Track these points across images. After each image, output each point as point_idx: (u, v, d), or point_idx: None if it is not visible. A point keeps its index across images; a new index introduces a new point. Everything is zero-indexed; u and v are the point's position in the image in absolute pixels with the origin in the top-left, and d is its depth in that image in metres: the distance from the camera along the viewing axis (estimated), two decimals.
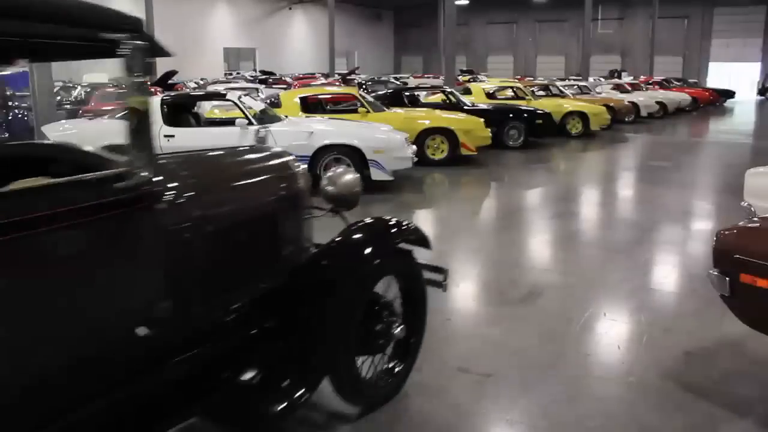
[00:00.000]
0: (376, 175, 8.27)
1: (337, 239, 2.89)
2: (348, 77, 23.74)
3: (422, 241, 3.11)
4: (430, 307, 3.25)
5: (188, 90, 18.29)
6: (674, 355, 3.66)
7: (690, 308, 4.43)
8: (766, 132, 19.48)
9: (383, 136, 8.64)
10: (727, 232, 3.06)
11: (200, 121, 9.32)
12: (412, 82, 25.52)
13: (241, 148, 3.20)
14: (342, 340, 2.69)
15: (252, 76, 26.45)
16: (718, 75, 41.85)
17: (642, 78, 29.88)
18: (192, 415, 2.31)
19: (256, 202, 2.70)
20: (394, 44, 53.52)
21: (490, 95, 15.54)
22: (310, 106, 10.79)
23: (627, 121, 18.57)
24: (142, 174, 2.05)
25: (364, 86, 18.45)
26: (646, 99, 20.83)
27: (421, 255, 3.15)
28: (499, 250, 5.97)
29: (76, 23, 1.88)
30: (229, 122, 8.45)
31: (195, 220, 2.32)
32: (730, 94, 31.42)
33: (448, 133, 10.60)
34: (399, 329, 2.93)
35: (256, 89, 15.24)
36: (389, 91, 14.20)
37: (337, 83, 20.12)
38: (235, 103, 8.29)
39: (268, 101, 10.82)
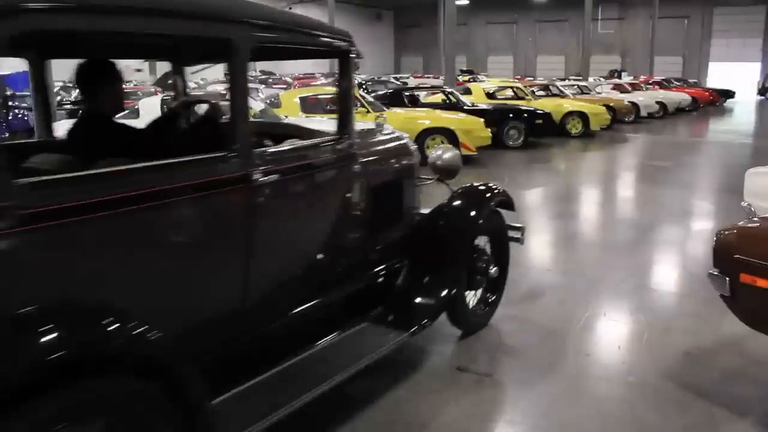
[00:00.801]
0: None
1: (451, 200, 3.75)
2: None
3: (509, 203, 3.93)
4: None
5: (188, 90, 18.27)
6: (674, 355, 3.66)
7: (690, 308, 4.43)
8: (766, 132, 19.48)
9: None
10: (727, 232, 3.06)
11: None
12: (412, 82, 25.55)
13: (372, 128, 3.78)
14: (458, 277, 3.50)
15: (252, 76, 26.46)
16: (718, 75, 41.87)
17: (642, 78, 29.90)
18: (364, 321, 3.17)
19: (393, 168, 3.51)
20: (394, 44, 53.57)
21: (490, 95, 15.55)
22: (310, 106, 10.79)
23: (627, 121, 18.57)
24: (350, 141, 3.00)
25: (364, 86, 18.45)
26: (646, 99, 20.84)
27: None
28: None
29: (318, 35, 2.80)
30: None
31: (368, 176, 3.17)
32: (730, 94, 31.43)
33: (448, 133, 10.60)
34: (493, 270, 3.85)
35: (256, 89, 15.24)
36: (389, 91, 14.21)
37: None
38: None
39: (268, 101, 10.82)
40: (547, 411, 3.07)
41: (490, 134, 11.35)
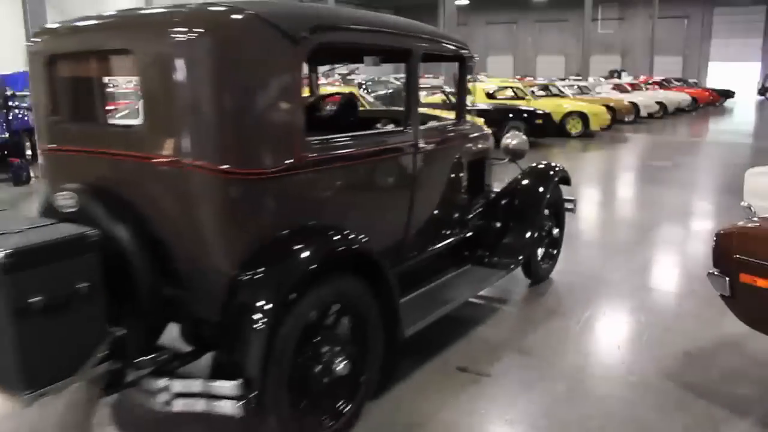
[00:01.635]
0: None
1: (525, 175, 4.68)
2: (348, 77, 23.68)
3: (566, 179, 4.87)
4: None
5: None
6: (674, 355, 3.66)
7: (690, 308, 4.44)
8: (766, 132, 19.47)
9: None
10: (726, 232, 3.06)
11: None
12: None
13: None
14: (533, 238, 4.43)
15: None
16: (718, 75, 41.85)
17: (642, 78, 29.88)
18: (468, 263, 4.23)
19: (482, 147, 4.39)
20: None
21: (490, 95, 15.54)
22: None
23: (627, 121, 18.57)
24: (464, 124, 4.10)
25: (364, 86, 18.43)
26: (646, 99, 20.84)
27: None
28: None
29: (451, 44, 3.85)
30: None
31: (471, 150, 4.18)
32: (729, 94, 31.41)
33: None
34: (556, 231, 4.87)
35: None
36: (389, 91, 14.19)
37: (337, 83, 20.08)
38: None
39: None
40: (546, 411, 3.07)
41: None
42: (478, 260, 4.26)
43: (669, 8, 38.76)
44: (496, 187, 4.73)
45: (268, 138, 2.57)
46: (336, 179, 2.90)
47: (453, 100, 13.92)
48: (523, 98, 15.34)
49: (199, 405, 2.40)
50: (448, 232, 4.02)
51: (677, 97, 23.74)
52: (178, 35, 2.42)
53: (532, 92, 16.42)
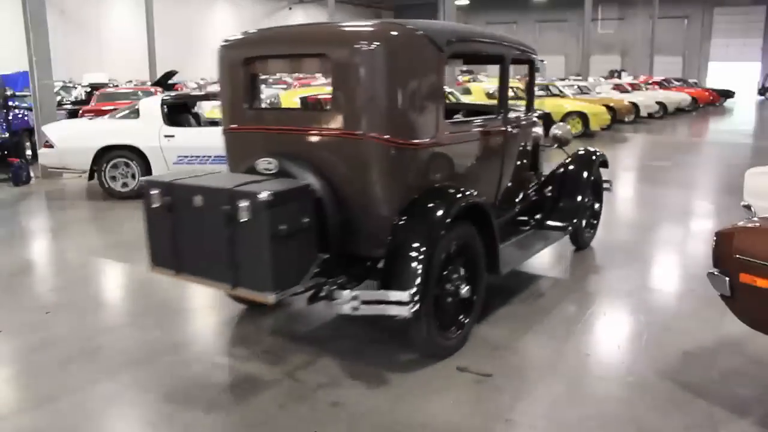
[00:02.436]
0: None
1: (573, 159, 5.58)
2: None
3: (605, 162, 5.78)
4: None
5: (188, 90, 18.29)
6: (674, 355, 3.66)
7: (690, 308, 4.43)
8: (766, 132, 19.47)
9: None
10: (726, 232, 3.06)
11: (200, 121, 9.30)
12: None
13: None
14: (583, 207, 5.38)
15: None
16: (718, 75, 41.86)
17: (642, 78, 29.88)
18: (531, 228, 5.13)
19: (537, 134, 5.29)
20: None
21: (490, 95, 15.54)
22: (310, 105, 10.77)
23: (627, 121, 18.56)
24: (532, 114, 5.08)
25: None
26: (646, 99, 20.82)
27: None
28: None
29: (524, 50, 4.77)
30: None
31: (535, 135, 5.22)
32: (729, 94, 31.40)
33: None
34: (597, 206, 5.96)
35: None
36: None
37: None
38: None
39: (269, 101, 10.82)
40: (546, 411, 3.07)
41: None
42: (539, 224, 5.16)
43: (669, 8, 38.77)
44: (545, 169, 5.61)
45: (422, 118, 3.54)
46: (460, 151, 3.95)
47: (452, 100, 14.01)
48: (523, 98, 15.32)
49: (377, 309, 3.20)
50: (521, 197, 5.15)
51: (677, 97, 23.73)
52: (363, 45, 3.36)
53: None
